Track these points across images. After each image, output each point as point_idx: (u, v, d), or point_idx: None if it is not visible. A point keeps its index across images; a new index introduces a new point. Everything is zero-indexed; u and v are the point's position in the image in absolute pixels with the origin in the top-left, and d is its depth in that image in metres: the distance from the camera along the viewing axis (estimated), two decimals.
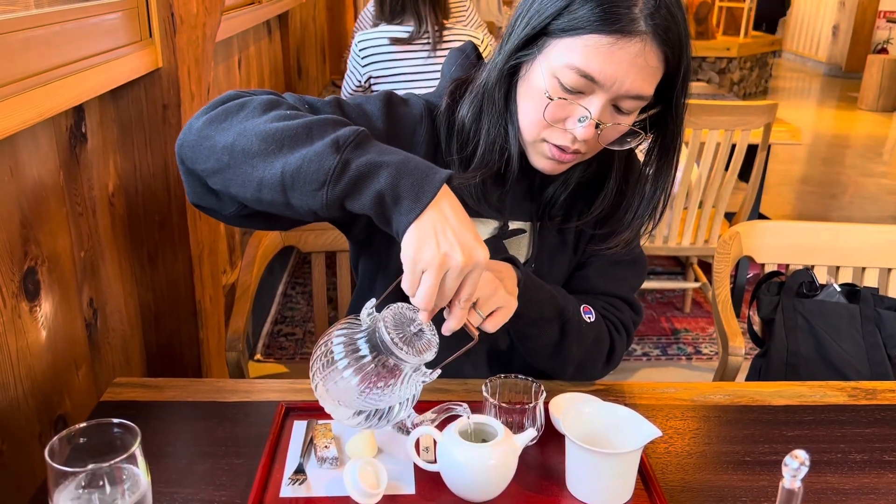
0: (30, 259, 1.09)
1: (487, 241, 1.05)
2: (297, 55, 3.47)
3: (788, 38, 10.64)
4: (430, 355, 0.83)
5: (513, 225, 1.08)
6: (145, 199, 1.46)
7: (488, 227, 1.07)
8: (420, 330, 0.83)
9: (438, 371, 0.85)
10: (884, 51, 8.99)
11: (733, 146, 2.41)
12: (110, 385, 1.08)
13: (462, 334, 0.85)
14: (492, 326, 0.89)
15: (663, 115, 0.98)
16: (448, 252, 0.77)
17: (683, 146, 2.40)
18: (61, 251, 1.19)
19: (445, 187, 0.80)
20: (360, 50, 2.36)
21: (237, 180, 0.84)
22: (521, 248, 1.09)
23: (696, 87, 3.86)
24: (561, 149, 0.95)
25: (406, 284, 0.79)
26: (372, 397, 0.83)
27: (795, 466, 0.67)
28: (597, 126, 0.92)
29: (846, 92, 8.44)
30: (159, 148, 1.44)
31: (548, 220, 1.09)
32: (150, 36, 1.41)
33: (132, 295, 1.49)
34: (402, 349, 0.81)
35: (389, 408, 0.85)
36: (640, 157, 1.05)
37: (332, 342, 0.84)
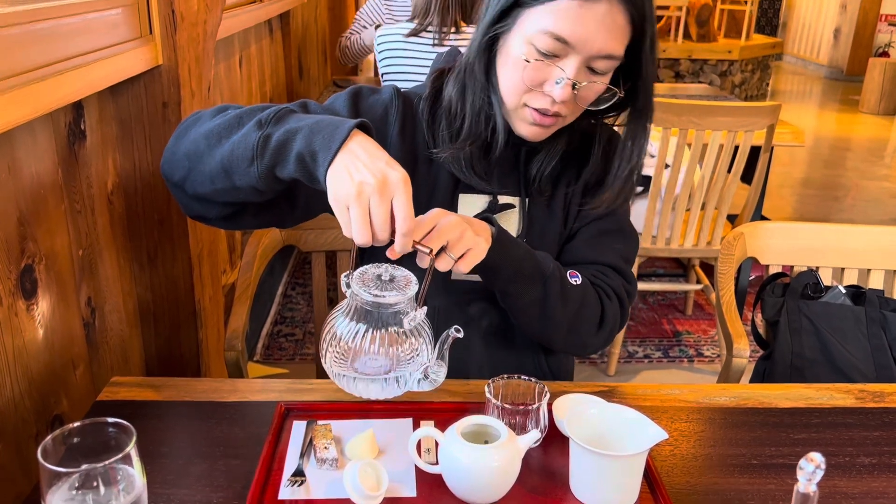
0: (27, 257, 1.07)
1: (478, 217, 1.09)
2: (299, 55, 3.46)
3: (790, 42, 10.63)
4: (413, 288, 0.85)
5: (502, 200, 1.11)
6: (144, 197, 1.44)
7: (481, 201, 1.11)
8: (391, 276, 0.86)
9: (424, 308, 0.86)
10: (885, 54, 8.98)
11: (736, 147, 2.39)
12: (107, 384, 1.06)
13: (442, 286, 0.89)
14: (464, 267, 0.92)
15: (634, 78, 1.03)
16: (361, 180, 0.80)
17: (686, 147, 2.39)
18: (59, 249, 1.17)
19: (357, 132, 0.85)
20: (378, 44, 2.45)
21: (198, 180, 0.94)
22: (511, 223, 1.12)
23: (697, 88, 3.85)
24: (542, 112, 1.00)
25: (343, 229, 0.83)
26: (400, 355, 0.85)
27: (811, 470, 0.66)
28: (573, 87, 0.97)
29: (847, 95, 8.43)
30: (159, 146, 1.42)
31: (537, 193, 1.11)
32: (151, 32, 1.39)
33: (131, 294, 1.47)
34: (385, 296, 0.83)
35: (413, 360, 0.87)
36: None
37: (336, 329, 0.86)
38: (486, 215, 1.07)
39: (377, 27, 2.84)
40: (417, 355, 0.86)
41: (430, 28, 2.35)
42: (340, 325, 0.86)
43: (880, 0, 9.10)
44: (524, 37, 0.98)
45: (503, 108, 1.04)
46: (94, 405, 1.01)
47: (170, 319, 1.53)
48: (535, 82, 0.98)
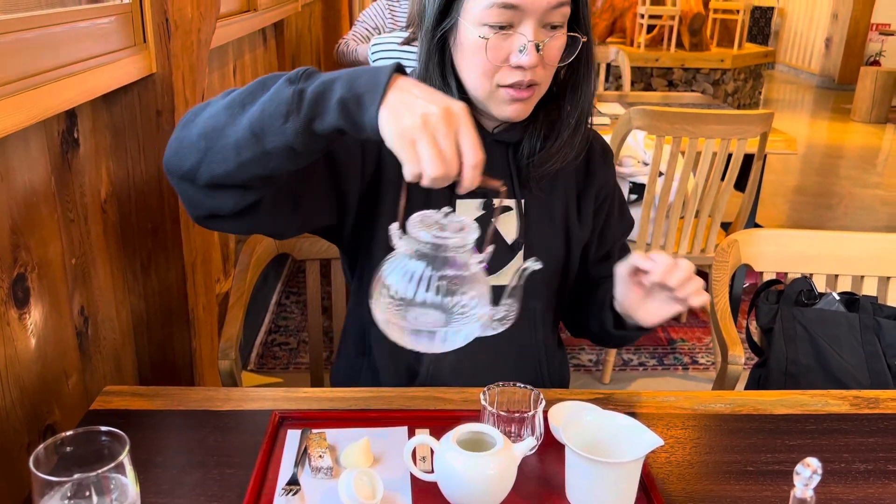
0: (19, 266, 1.07)
1: (477, 220, 1.08)
2: (293, 64, 3.46)
3: (782, 51, 10.70)
4: (473, 233, 0.81)
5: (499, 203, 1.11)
6: (138, 206, 1.44)
7: (476, 205, 1.11)
8: (450, 221, 0.82)
9: (490, 249, 0.83)
10: (876, 63, 9.05)
11: (729, 155, 2.40)
12: (100, 394, 1.06)
13: None
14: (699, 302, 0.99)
15: (573, 24, 1.04)
16: (424, 111, 0.76)
17: (680, 155, 2.40)
18: (52, 258, 1.17)
19: (398, 75, 0.82)
20: (372, 54, 2.44)
21: (218, 157, 0.86)
22: (511, 226, 1.12)
23: (690, 97, 3.87)
24: (517, 87, 1.01)
25: (408, 169, 0.77)
26: (456, 305, 0.81)
27: (808, 475, 0.66)
28: (538, 49, 0.98)
29: (839, 104, 8.48)
30: (153, 154, 1.42)
31: (536, 190, 1.12)
32: (144, 41, 1.39)
33: (124, 303, 1.47)
34: (445, 238, 0.79)
35: (471, 310, 0.82)
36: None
37: (385, 282, 0.82)
38: None
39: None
40: (474, 307, 0.82)
41: (412, 38, 2.36)
42: (393, 273, 0.81)
43: (871, 9, 9.17)
44: (474, 20, 0.98)
45: (477, 101, 1.05)
46: (87, 414, 1.01)
47: (163, 328, 1.53)
48: (501, 58, 0.99)
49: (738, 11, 6.49)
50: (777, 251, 1.53)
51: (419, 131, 0.75)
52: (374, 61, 2.43)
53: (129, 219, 1.44)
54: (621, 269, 1.02)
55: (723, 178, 2.43)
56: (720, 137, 2.35)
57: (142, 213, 1.44)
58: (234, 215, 0.92)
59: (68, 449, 0.70)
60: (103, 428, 0.71)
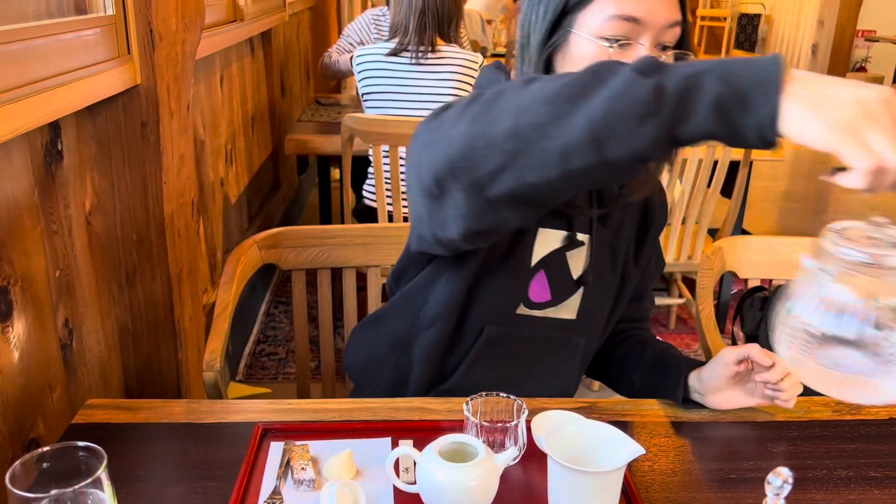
0: (2, 278, 1.06)
1: (554, 254, 1.07)
2: (281, 73, 3.47)
3: None
4: None
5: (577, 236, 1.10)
6: (123, 217, 1.44)
7: (557, 237, 1.08)
8: (884, 232, 0.67)
9: None
10: (862, 69, 9.11)
11: (715, 162, 2.42)
12: (82, 406, 1.05)
13: None
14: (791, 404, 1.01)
15: (683, 47, 0.99)
16: (857, 98, 0.64)
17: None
18: (35, 270, 1.16)
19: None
20: (356, 65, 2.44)
21: (533, 163, 0.73)
22: (580, 261, 1.11)
23: None
24: None
25: (862, 165, 0.64)
26: None
27: (779, 484, 0.66)
28: None
29: None
30: (138, 166, 1.42)
31: (603, 231, 1.10)
32: (129, 52, 1.39)
33: (109, 315, 1.46)
34: (886, 256, 0.64)
35: None
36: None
37: (794, 312, 0.68)
38: None
39: (352, 58, 2.86)
40: None
41: (409, 47, 2.36)
42: (807, 302, 0.67)
43: (857, 16, 9.24)
44: (592, 33, 0.92)
45: None
46: (70, 428, 1.00)
47: (149, 340, 1.52)
48: None
49: (725, 18, 6.54)
50: (761, 258, 1.54)
51: (863, 121, 0.63)
52: (359, 72, 2.44)
53: (113, 230, 1.44)
54: (730, 355, 1.01)
55: (709, 185, 2.45)
56: (706, 145, 2.36)
57: (127, 225, 1.44)
58: (514, 230, 0.81)
59: (46, 465, 0.70)
60: (81, 443, 0.70)
